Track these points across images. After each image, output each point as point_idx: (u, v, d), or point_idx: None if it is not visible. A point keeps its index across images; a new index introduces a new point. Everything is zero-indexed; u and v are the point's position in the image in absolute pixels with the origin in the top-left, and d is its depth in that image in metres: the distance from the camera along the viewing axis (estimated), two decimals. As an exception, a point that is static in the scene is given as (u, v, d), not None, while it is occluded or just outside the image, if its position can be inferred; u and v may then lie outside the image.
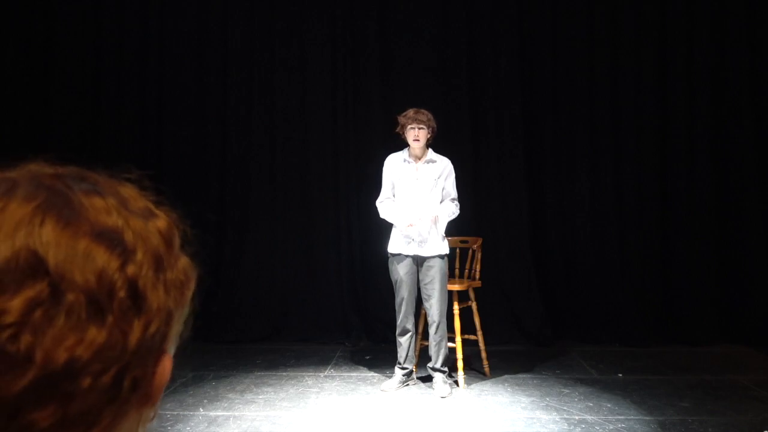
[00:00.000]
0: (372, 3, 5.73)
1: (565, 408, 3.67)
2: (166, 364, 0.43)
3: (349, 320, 5.51)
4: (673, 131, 5.57)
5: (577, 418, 3.50)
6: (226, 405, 3.72)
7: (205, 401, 3.78)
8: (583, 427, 3.35)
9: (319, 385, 4.15)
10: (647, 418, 3.48)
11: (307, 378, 4.31)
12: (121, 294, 0.38)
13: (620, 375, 4.37)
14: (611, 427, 3.34)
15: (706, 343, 5.19)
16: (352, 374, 4.44)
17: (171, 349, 0.44)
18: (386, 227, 4.20)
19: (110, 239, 0.39)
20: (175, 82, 5.79)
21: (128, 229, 0.41)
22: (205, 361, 4.65)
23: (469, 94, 5.67)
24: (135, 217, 0.42)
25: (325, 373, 4.45)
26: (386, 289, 4.26)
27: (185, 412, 3.55)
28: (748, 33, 5.50)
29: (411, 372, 4.15)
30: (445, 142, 5.37)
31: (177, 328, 0.44)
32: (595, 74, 5.64)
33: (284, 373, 4.43)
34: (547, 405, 3.73)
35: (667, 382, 4.21)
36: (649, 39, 5.61)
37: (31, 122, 5.59)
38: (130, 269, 0.39)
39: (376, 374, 4.41)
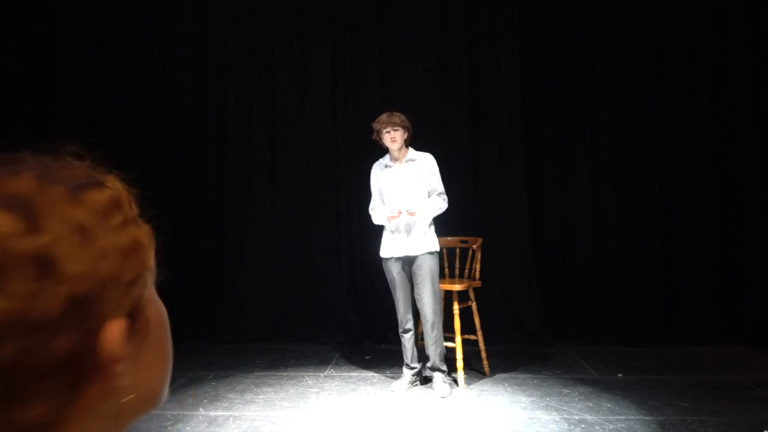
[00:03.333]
0: (372, 3, 5.73)
1: (565, 408, 3.67)
2: (114, 331, 0.41)
3: (349, 320, 5.51)
4: (673, 131, 5.57)
5: (577, 418, 3.50)
6: (226, 405, 3.72)
7: (205, 401, 3.78)
8: (583, 427, 3.35)
9: (319, 385, 4.15)
10: (647, 418, 3.48)
11: (307, 378, 4.31)
12: (24, 259, 0.38)
13: (620, 375, 4.37)
14: (611, 427, 3.34)
15: (706, 343, 5.19)
16: (352, 374, 4.44)
17: (124, 313, 0.43)
18: (382, 230, 4.20)
19: (11, 205, 0.39)
20: (175, 82, 5.80)
21: (42, 198, 0.40)
22: (205, 361, 4.65)
23: (469, 94, 5.67)
24: (59, 187, 0.42)
25: (325, 373, 4.45)
26: (386, 289, 4.27)
27: (185, 412, 3.55)
28: (748, 33, 5.50)
29: (420, 371, 4.15)
30: (446, 142, 5.39)
31: (126, 293, 0.43)
32: (595, 74, 5.64)
33: (284, 373, 4.43)
34: (547, 405, 3.73)
35: (667, 382, 4.20)
36: (649, 39, 5.61)
37: (31, 122, 5.59)
38: (39, 236, 0.39)
39: (376, 374, 4.42)
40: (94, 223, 0.42)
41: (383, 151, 4.27)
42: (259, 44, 5.79)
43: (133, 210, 0.46)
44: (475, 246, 4.46)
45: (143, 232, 0.46)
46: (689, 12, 5.57)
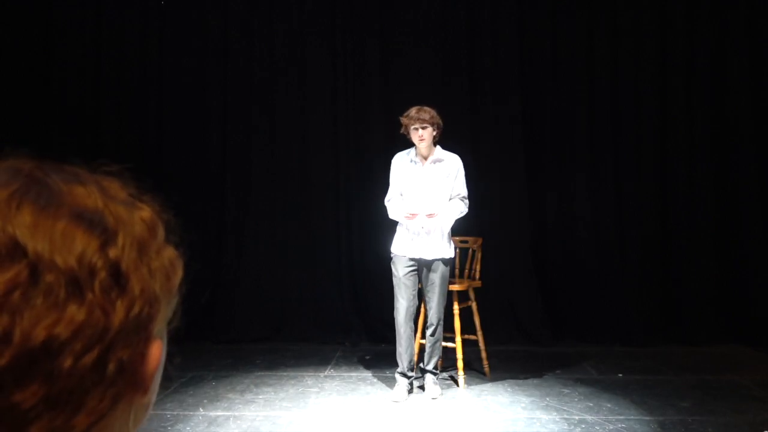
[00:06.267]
0: (372, 2, 5.73)
1: (565, 408, 3.67)
2: (156, 350, 0.43)
3: (349, 320, 5.51)
4: (673, 131, 5.58)
5: (577, 418, 3.50)
6: (226, 405, 3.72)
7: (205, 401, 3.77)
8: (583, 427, 3.35)
9: (319, 385, 4.15)
10: (647, 418, 3.48)
11: (307, 378, 4.31)
12: (102, 274, 0.39)
13: (620, 375, 4.37)
14: (611, 427, 3.34)
15: (706, 343, 5.19)
16: (352, 374, 4.44)
17: (160, 335, 0.44)
18: (387, 227, 4.18)
19: (89, 220, 0.40)
20: (175, 82, 5.79)
21: (109, 213, 0.41)
22: (205, 361, 4.65)
23: (469, 94, 5.68)
24: (117, 204, 0.43)
25: (325, 373, 4.45)
26: (386, 289, 4.26)
27: (185, 412, 3.55)
28: (748, 33, 5.50)
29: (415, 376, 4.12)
30: (446, 141, 5.37)
31: (165, 315, 0.45)
32: (595, 74, 5.65)
33: (284, 373, 4.43)
34: (547, 405, 3.73)
35: (667, 382, 4.21)
36: (649, 39, 5.61)
37: (31, 123, 5.58)
38: (111, 250, 0.40)
39: (376, 374, 4.42)
40: (147, 242, 0.43)
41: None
42: (259, 44, 5.78)
43: (163, 231, 0.47)
44: (475, 246, 4.46)
45: (175, 255, 0.47)
46: (689, 12, 5.57)
